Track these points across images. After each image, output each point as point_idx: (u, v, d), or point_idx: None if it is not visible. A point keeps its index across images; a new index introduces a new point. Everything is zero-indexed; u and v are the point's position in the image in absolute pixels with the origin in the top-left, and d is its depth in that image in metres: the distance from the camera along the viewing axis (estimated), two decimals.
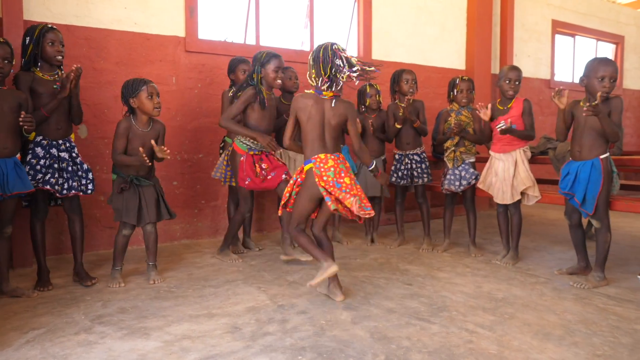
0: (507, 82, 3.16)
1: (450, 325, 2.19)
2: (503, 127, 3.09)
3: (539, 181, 3.33)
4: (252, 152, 3.14)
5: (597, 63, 2.72)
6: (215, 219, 4.16)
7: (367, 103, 3.81)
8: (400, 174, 3.75)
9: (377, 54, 5.10)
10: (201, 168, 4.08)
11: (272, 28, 4.72)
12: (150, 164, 2.76)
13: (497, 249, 3.62)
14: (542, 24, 6.68)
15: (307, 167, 2.53)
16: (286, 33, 4.87)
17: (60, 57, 2.73)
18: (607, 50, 7.77)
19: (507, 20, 6.03)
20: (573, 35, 7.18)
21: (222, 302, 2.50)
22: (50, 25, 2.74)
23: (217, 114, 4.15)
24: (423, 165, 3.74)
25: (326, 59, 2.44)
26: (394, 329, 2.14)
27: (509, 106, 3.22)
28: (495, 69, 5.99)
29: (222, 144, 3.71)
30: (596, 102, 2.55)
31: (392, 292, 2.66)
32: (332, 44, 2.48)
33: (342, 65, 2.44)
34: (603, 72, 2.67)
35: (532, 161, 3.62)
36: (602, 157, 2.71)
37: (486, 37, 5.76)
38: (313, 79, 2.54)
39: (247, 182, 3.13)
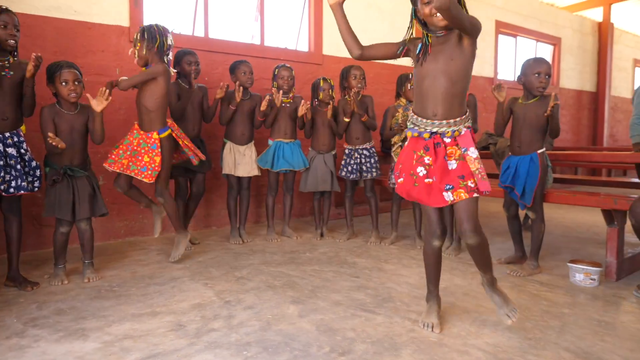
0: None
1: (394, 315, 2.25)
2: None
3: None
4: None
5: (533, 62, 2.87)
6: None
7: (320, 97, 3.84)
8: (349, 168, 3.80)
9: (327, 49, 5.13)
10: None
11: (221, 20, 4.64)
12: (63, 146, 2.57)
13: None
14: (486, 24, 6.93)
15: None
16: (236, 26, 4.81)
17: (13, 42, 2.54)
18: (545, 51, 8.18)
19: None
20: (515, 36, 7.51)
21: (167, 299, 2.44)
22: (4, 7, 2.56)
23: None
24: (372, 160, 3.80)
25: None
26: (340, 321, 2.17)
27: None
28: None
29: None
30: (557, 102, 2.70)
31: (340, 285, 2.70)
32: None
33: None
34: (539, 69, 2.83)
35: None
36: (539, 152, 2.86)
37: None
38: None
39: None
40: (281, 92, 3.68)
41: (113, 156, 2.99)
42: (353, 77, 3.72)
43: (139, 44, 2.97)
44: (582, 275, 2.70)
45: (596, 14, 8.88)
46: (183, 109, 3.45)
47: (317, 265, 3.13)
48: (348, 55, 5.70)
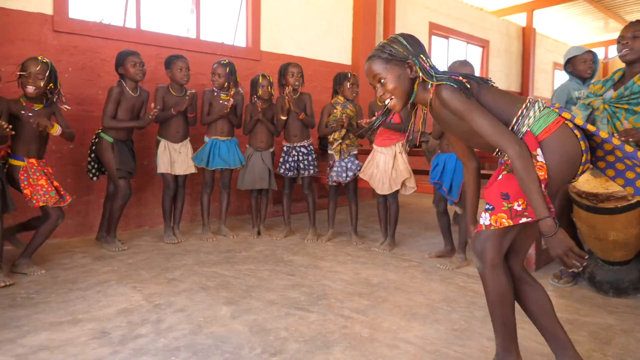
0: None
1: (328, 312, 2.27)
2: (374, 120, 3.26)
3: (415, 172, 3.58)
4: None
5: (459, 64, 2.99)
6: (89, 215, 3.85)
7: (259, 93, 3.79)
8: (287, 165, 3.79)
9: (265, 46, 5.08)
10: (72, 160, 3.74)
11: (154, 11, 4.45)
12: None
13: (377, 237, 3.81)
14: (420, 25, 7.15)
15: None
16: (170, 18, 4.64)
17: None
18: (475, 53, 8.58)
19: (389, 20, 6.35)
20: (447, 38, 7.80)
21: (91, 305, 2.31)
22: None
23: (92, 101, 3.83)
24: (310, 158, 3.81)
25: None
26: (273, 321, 2.16)
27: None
28: None
29: (97, 139, 3.43)
30: None
31: (275, 284, 2.68)
32: None
33: None
34: (462, 71, 2.94)
35: (408, 153, 3.87)
36: None
37: (371, 35, 6.02)
38: None
39: None
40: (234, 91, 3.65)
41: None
42: (291, 75, 3.71)
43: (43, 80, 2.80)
44: None
45: (520, 19, 9.43)
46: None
47: (252, 264, 3.09)
48: (286, 52, 5.71)
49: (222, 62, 3.72)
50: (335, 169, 3.61)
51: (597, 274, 2.54)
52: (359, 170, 3.57)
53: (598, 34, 11.15)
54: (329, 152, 3.68)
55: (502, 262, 1.51)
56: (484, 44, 8.53)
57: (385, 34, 6.38)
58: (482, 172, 4.49)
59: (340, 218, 4.51)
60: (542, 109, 1.50)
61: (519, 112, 1.50)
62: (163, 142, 3.61)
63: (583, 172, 1.53)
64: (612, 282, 2.49)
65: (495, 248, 1.48)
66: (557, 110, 1.50)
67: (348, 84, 3.58)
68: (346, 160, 3.59)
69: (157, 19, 4.49)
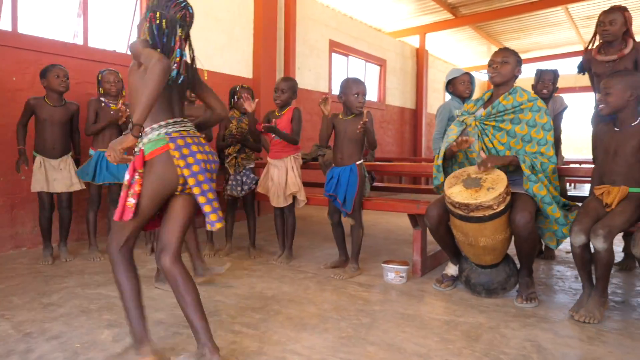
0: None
1: (218, 329, 2.23)
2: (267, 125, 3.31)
3: (312, 185, 3.67)
4: None
5: (351, 82, 3.13)
6: None
7: None
8: None
9: None
10: None
11: (35, 13, 4.12)
12: None
13: (276, 250, 3.83)
14: (321, 42, 7.39)
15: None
16: (54, 21, 4.32)
17: None
18: (373, 71, 9.03)
19: (290, 36, 6.48)
20: (347, 55, 8.14)
21: None
22: None
23: None
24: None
25: None
26: (159, 341, 2.07)
27: (282, 113, 3.46)
28: None
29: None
30: (365, 120, 2.92)
31: (164, 303, 2.58)
32: None
33: None
34: (357, 89, 3.10)
35: (305, 167, 3.95)
36: (358, 163, 3.12)
37: (271, 49, 6.10)
38: None
39: None
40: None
41: None
42: None
43: None
44: (393, 274, 3.02)
45: (415, 41, 10.13)
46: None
47: (143, 283, 2.92)
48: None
49: (110, 69, 3.54)
50: (230, 182, 3.58)
51: (472, 277, 2.78)
52: (255, 184, 3.58)
53: (482, 58, 12.30)
54: (226, 165, 3.64)
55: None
56: (381, 63, 9.02)
57: (286, 49, 6.49)
58: (380, 184, 4.74)
59: (241, 232, 4.47)
60: (161, 134, 1.75)
61: (152, 126, 1.76)
62: (39, 158, 3.35)
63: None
64: (484, 284, 2.74)
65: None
66: (167, 139, 1.75)
67: (236, 97, 3.60)
68: (241, 174, 3.58)
69: (40, 21, 4.16)
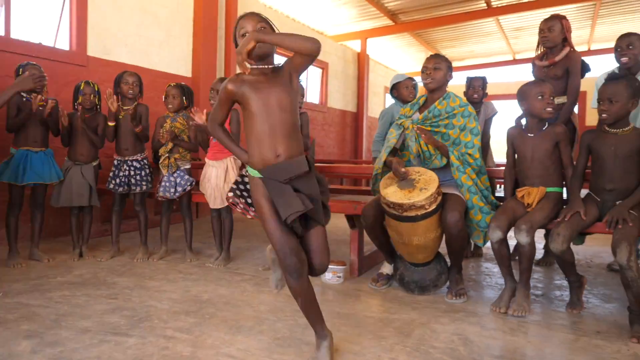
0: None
1: (149, 335, 2.15)
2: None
3: None
4: None
5: None
6: None
7: (79, 100, 3.48)
8: (118, 180, 3.53)
9: (94, 51, 4.70)
10: None
11: None
12: None
13: (213, 252, 3.76)
14: None
15: None
16: None
17: None
18: (315, 74, 9.10)
19: (231, 35, 6.37)
20: (289, 57, 8.13)
21: None
22: None
23: None
24: (143, 172, 3.60)
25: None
26: (84, 350, 1.97)
27: None
28: None
29: None
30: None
31: (92, 310, 2.46)
32: None
33: None
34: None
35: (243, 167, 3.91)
36: None
37: (212, 48, 5.99)
38: None
39: None
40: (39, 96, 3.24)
41: None
42: (125, 83, 3.50)
43: None
44: (330, 274, 3.05)
45: (356, 45, 10.32)
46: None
47: (68, 290, 2.79)
48: (119, 59, 5.38)
49: (32, 63, 3.33)
50: (163, 183, 3.47)
51: (405, 275, 2.86)
52: (190, 185, 3.49)
53: (421, 64, 12.74)
54: (159, 166, 3.53)
55: None
56: (323, 66, 9.10)
57: (227, 48, 6.40)
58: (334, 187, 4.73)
59: (177, 235, 4.35)
60: None
61: None
62: None
63: None
64: (417, 282, 2.83)
65: None
66: None
67: (164, 97, 3.51)
68: (175, 174, 3.48)
69: None
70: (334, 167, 4.53)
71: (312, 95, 9.03)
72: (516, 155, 2.81)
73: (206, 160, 3.47)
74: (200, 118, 3.27)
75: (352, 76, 10.28)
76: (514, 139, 2.78)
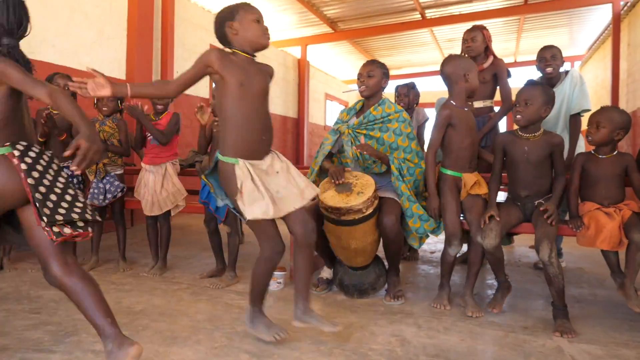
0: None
1: (76, 350, 2.03)
2: None
3: (189, 192, 3.53)
4: None
5: None
6: None
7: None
8: None
9: None
10: None
11: None
12: None
13: (149, 261, 3.61)
14: (201, 46, 7.19)
15: None
16: None
17: None
18: None
19: (167, 38, 6.21)
20: None
21: None
22: None
23: None
24: (74, 180, 3.39)
25: None
26: None
27: (160, 117, 3.30)
28: None
29: None
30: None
31: (12, 326, 2.28)
32: None
33: None
34: None
35: (182, 173, 3.80)
36: None
37: (147, 50, 5.79)
38: None
39: None
40: None
41: None
42: (57, 86, 3.28)
43: None
44: (270, 280, 3.01)
45: (296, 52, 10.37)
46: None
47: None
48: (45, 59, 5.07)
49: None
50: (91, 190, 3.29)
51: (345, 279, 2.89)
52: (121, 191, 3.34)
53: None
54: (86, 172, 3.35)
55: None
56: None
57: (163, 51, 6.21)
58: None
59: (110, 244, 4.14)
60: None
61: None
62: None
63: None
64: (356, 285, 2.87)
65: None
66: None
67: (95, 100, 3.37)
68: (104, 181, 3.31)
69: None
70: None
71: None
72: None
73: (142, 165, 3.34)
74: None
75: (292, 82, 10.32)
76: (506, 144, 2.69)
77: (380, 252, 2.87)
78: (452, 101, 2.75)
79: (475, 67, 2.78)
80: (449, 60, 2.78)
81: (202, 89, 7.17)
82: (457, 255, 2.74)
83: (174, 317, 2.47)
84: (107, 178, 3.31)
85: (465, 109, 2.74)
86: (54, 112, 3.22)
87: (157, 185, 3.26)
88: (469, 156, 2.73)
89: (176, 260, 3.76)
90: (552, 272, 2.34)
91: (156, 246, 3.40)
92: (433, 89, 13.29)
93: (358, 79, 2.95)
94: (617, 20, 7.61)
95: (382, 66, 2.94)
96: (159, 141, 3.24)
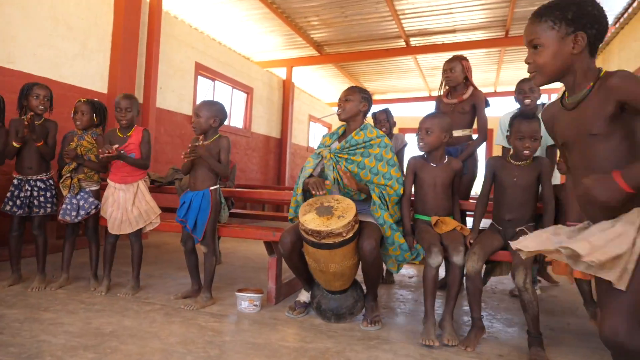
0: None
1: None
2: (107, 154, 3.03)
3: (166, 210, 3.47)
4: None
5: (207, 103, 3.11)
6: None
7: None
8: (17, 202, 3.20)
9: None
10: None
11: None
12: None
13: (122, 280, 3.51)
14: (186, 64, 7.20)
15: None
16: None
17: None
18: (240, 98, 9.06)
19: (152, 53, 6.19)
20: (213, 80, 8.04)
21: None
22: None
23: None
24: (48, 194, 3.29)
25: None
26: None
27: (128, 134, 3.24)
28: (139, 97, 6.03)
29: None
30: (197, 144, 2.88)
31: None
32: None
33: None
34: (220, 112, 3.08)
35: (159, 191, 3.74)
36: (212, 188, 3.04)
37: (131, 65, 5.75)
38: None
39: None
40: None
41: None
42: (35, 97, 3.21)
43: None
44: (247, 302, 2.96)
45: (282, 73, 10.44)
46: None
47: None
48: (24, 69, 5.00)
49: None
50: (64, 206, 3.20)
51: (322, 303, 2.85)
52: (95, 208, 3.25)
53: None
54: (60, 186, 3.25)
55: None
56: (248, 91, 9.09)
57: (147, 66, 6.18)
58: (242, 211, 4.65)
59: (82, 261, 4.02)
60: None
61: None
62: None
63: None
64: (333, 309, 2.82)
65: None
66: None
67: (72, 113, 3.29)
68: (78, 197, 3.23)
69: None
70: (256, 193, 4.47)
71: (236, 120, 8.95)
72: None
73: (109, 182, 3.25)
74: (102, 153, 3.04)
75: (277, 103, 10.36)
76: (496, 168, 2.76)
77: (359, 276, 2.84)
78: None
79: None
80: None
81: (185, 105, 7.13)
82: (437, 276, 2.72)
83: (145, 339, 2.38)
84: (82, 194, 3.22)
85: (432, 164, 2.90)
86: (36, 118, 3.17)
87: (129, 203, 3.19)
88: (434, 202, 2.87)
89: (150, 280, 3.66)
90: (527, 298, 2.35)
91: (110, 266, 3.32)
92: (416, 114, 13.51)
93: (338, 104, 3.00)
94: None
95: (362, 91, 2.98)
96: (143, 168, 3.24)
